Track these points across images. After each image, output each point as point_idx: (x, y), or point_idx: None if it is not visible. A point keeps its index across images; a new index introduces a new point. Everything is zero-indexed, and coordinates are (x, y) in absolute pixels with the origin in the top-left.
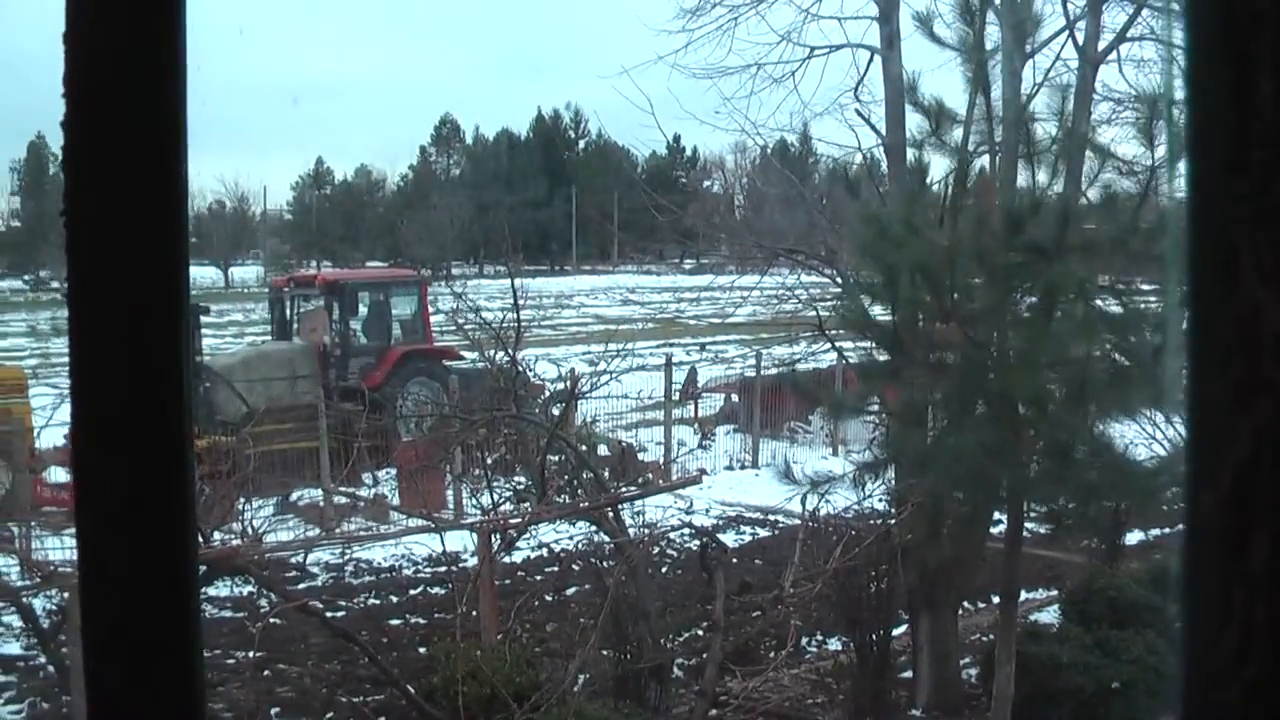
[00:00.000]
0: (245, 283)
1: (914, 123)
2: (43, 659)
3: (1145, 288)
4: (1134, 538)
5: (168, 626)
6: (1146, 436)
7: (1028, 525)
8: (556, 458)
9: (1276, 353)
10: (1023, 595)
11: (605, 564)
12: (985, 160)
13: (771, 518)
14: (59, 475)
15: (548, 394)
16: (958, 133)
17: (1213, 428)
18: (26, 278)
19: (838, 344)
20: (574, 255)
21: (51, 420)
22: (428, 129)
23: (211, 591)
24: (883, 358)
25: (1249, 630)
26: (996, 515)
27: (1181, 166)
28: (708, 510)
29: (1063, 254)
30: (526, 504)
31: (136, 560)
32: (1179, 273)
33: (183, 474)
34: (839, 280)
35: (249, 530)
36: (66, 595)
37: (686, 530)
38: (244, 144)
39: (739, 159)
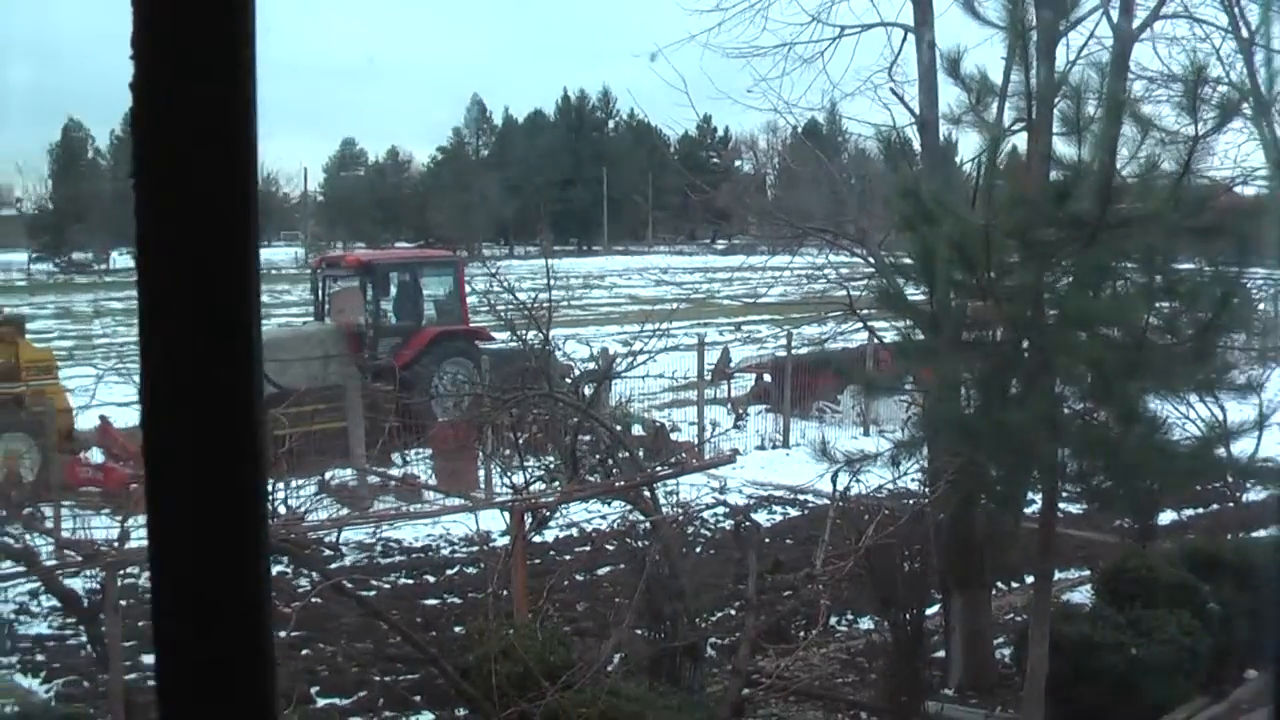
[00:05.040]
0: (274, 264)
1: (946, 102)
2: (78, 638)
3: (1182, 265)
4: (1166, 517)
5: (240, 595)
6: (1181, 416)
7: (1060, 505)
8: (588, 437)
9: None
10: (1055, 575)
11: (639, 543)
12: (1021, 137)
13: (802, 497)
14: (98, 456)
15: (578, 373)
16: (993, 109)
17: None
18: (58, 260)
19: (869, 323)
20: (605, 235)
21: (92, 402)
22: (458, 110)
23: None
24: (918, 336)
25: None
26: (1030, 495)
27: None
28: (740, 490)
29: (1103, 229)
30: (557, 483)
31: (208, 531)
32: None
33: (254, 445)
34: (869, 259)
35: (283, 510)
36: (104, 574)
37: (720, 509)
38: (274, 126)
39: (770, 139)
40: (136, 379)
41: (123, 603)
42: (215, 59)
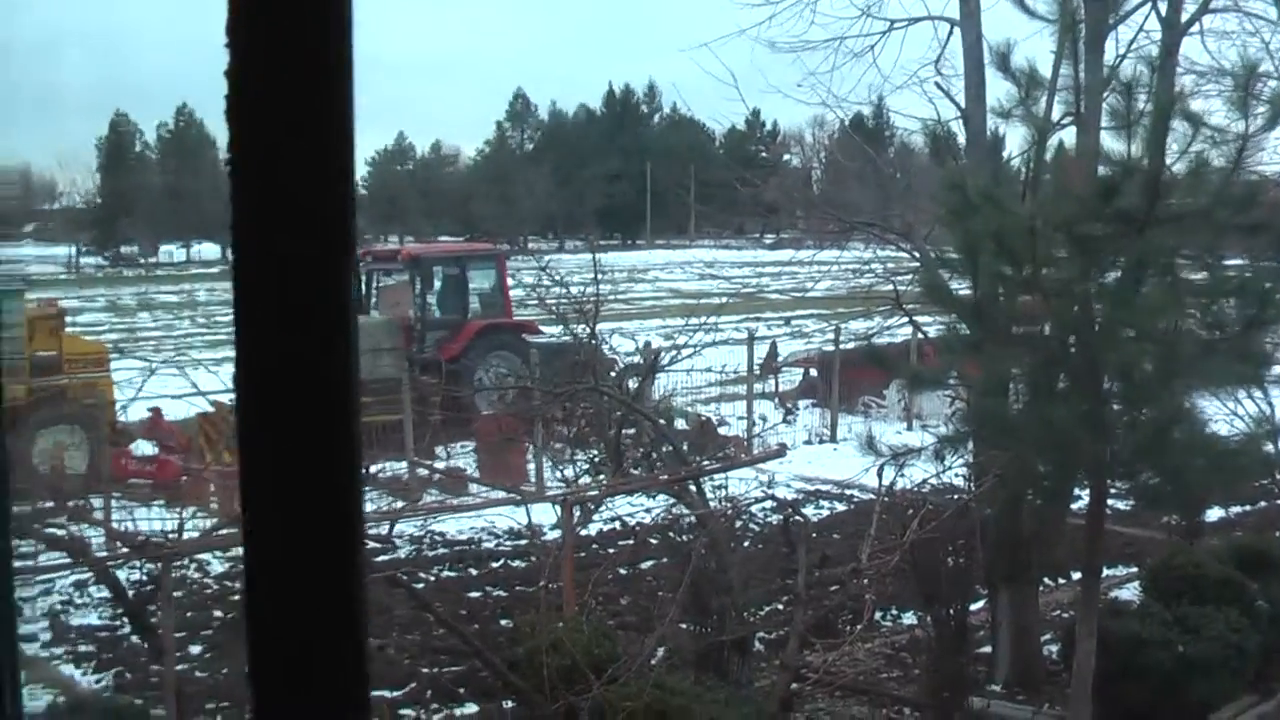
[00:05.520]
0: None
1: (995, 95)
2: (126, 629)
3: (1231, 261)
4: (1214, 514)
5: (337, 590)
6: (1229, 412)
7: (1107, 501)
8: (633, 431)
9: None
10: (1103, 572)
11: (684, 537)
12: (1068, 132)
13: (849, 492)
14: (145, 448)
15: (622, 367)
16: (1041, 103)
17: None
18: (106, 253)
19: (914, 317)
20: (648, 229)
21: (139, 394)
22: (503, 104)
23: None
24: (964, 331)
25: None
26: (1076, 490)
27: None
28: (787, 485)
29: (1151, 225)
30: (603, 476)
31: (305, 527)
32: None
33: (348, 435)
34: (915, 254)
35: None
36: (159, 566)
37: (768, 504)
38: None
39: (817, 133)
40: (188, 371)
41: (175, 594)
42: (313, 47)
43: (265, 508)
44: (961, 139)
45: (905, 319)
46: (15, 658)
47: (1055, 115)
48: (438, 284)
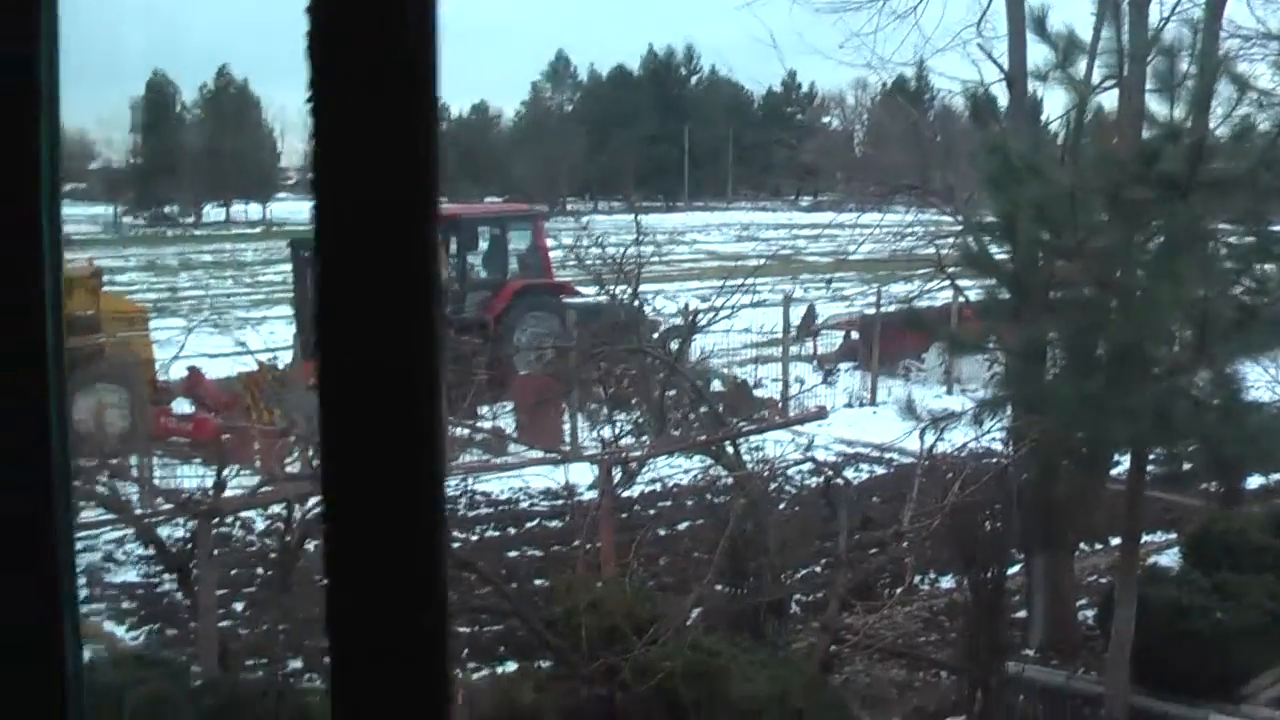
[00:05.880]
0: None
1: (1034, 59)
2: (166, 587)
3: (1275, 226)
4: (1254, 481)
5: (416, 570)
6: (1270, 379)
7: (1146, 467)
8: (673, 392)
9: None
10: (1141, 538)
11: (720, 499)
12: (1110, 95)
13: (888, 456)
14: (184, 406)
15: (663, 329)
16: (1082, 66)
17: None
18: (147, 214)
19: (956, 281)
20: (686, 191)
21: (180, 353)
22: (541, 66)
23: None
24: (1003, 296)
25: None
26: (1116, 456)
27: None
28: (826, 448)
29: (1194, 189)
30: (645, 437)
31: (384, 493)
32: None
33: (431, 401)
34: (958, 217)
35: None
36: (198, 523)
37: (806, 466)
38: None
39: (858, 95)
40: (233, 331)
41: (215, 552)
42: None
43: (347, 481)
44: (1003, 102)
45: (946, 283)
46: (77, 615)
47: (1096, 79)
48: (481, 244)
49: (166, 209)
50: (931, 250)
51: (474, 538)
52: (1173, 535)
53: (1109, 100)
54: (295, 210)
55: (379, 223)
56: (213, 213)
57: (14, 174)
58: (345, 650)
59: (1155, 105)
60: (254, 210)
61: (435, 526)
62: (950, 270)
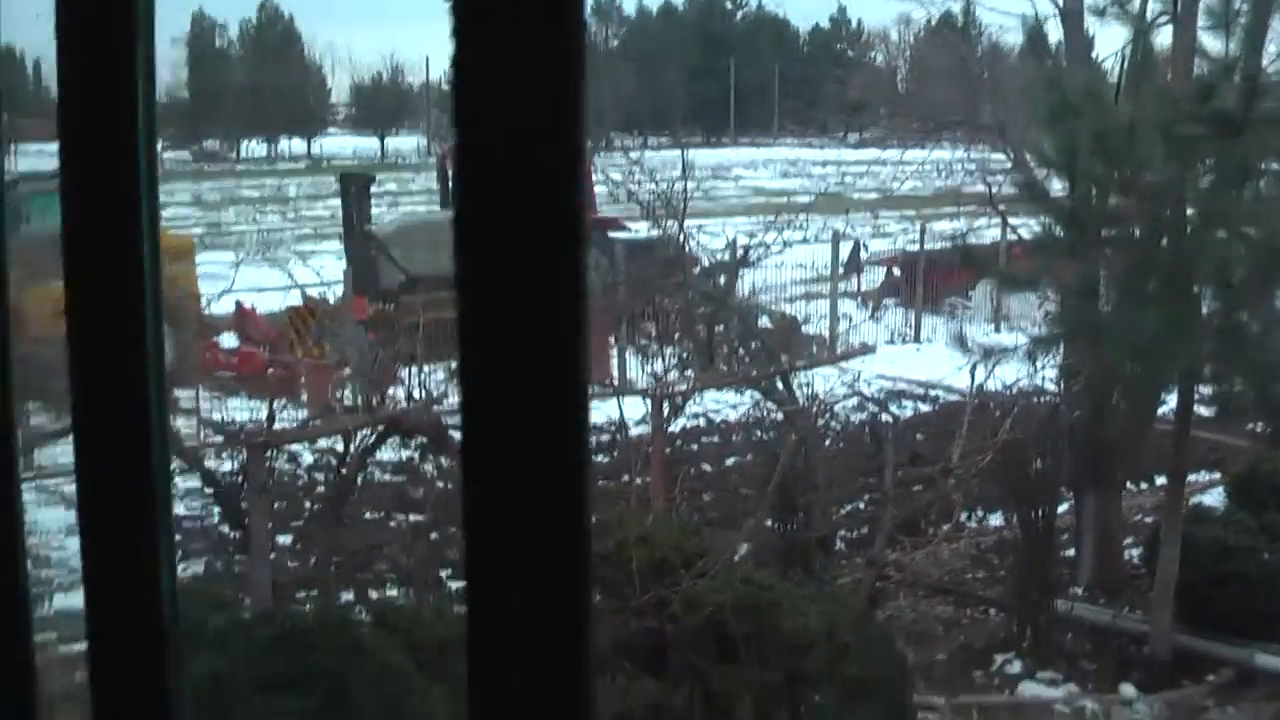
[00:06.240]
0: (400, 153)
1: None
2: (215, 520)
3: None
4: None
5: (562, 559)
6: None
7: (1193, 407)
8: (720, 328)
9: None
10: (1188, 478)
11: (769, 435)
12: (1163, 31)
13: (933, 393)
14: (231, 341)
15: (711, 264)
16: (1137, 1)
17: None
18: (190, 149)
19: (1007, 217)
20: (731, 127)
21: (231, 288)
22: (588, 1)
23: (378, 456)
24: (1057, 231)
25: None
26: (1163, 395)
27: None
28: (869, 384)
29: (1248, 127)
30: (690, 372)
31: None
32: None
33: (577, 432)
34: (1009, 153)
35: (418, 395)
36: (248, 456)
37: (852, 403)
38: (401, 14)
39: (903, 31)
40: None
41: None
42: None
43: (489, 451)
44: (1053, 37)
45: (993, 220)
46: (173, 546)
47: (1151, 14)
48: None
49: (208, 144)
50: (978, 188)
51: None
52: (1217, 475)
53: (1162, 37)
54: (343, 146)
55: (522, 151)
56: (255, 149)
57: (113, 119)
58: (482, 599)
59: (1209, 41)
60: (298, 146)
61: (580, 468)
62: (1001, 207)
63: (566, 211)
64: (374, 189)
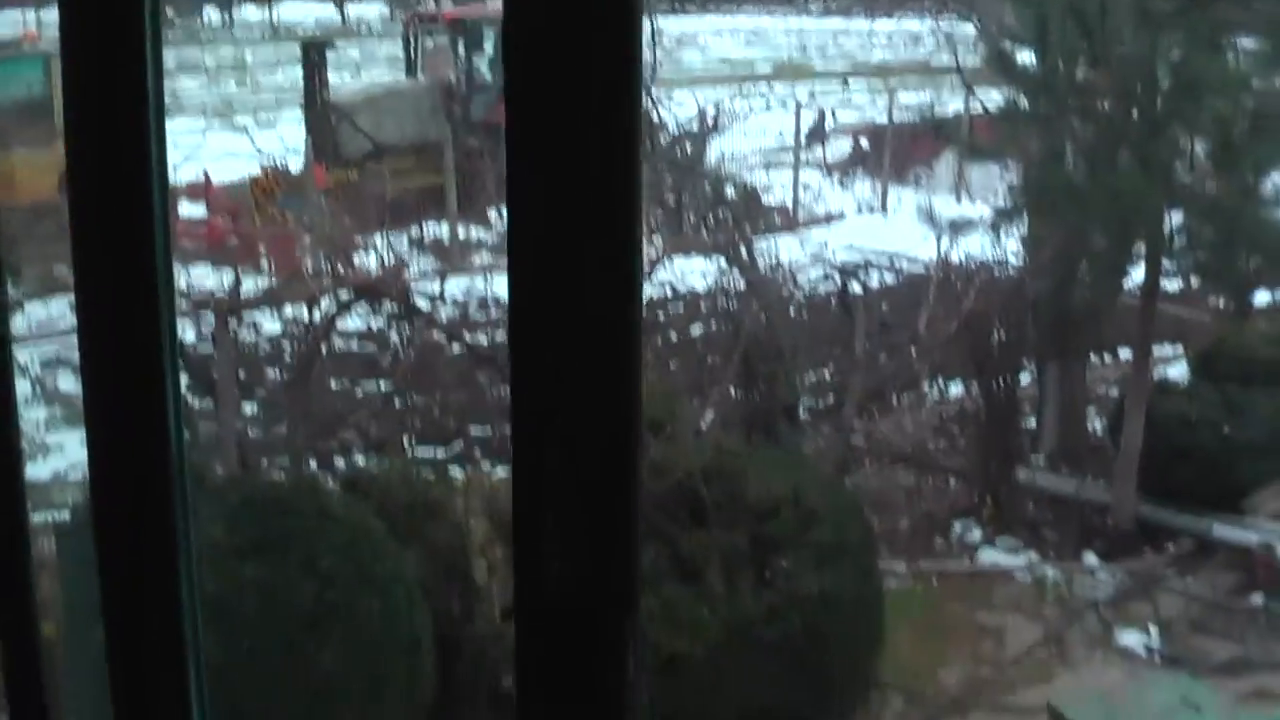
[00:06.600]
0: (364, 20)
1: None
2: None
3: None
4: (1262, 298)
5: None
6: None
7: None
8: (686, 196)
9: None
10: (1153, 351)
11: (734, 304)
12: None
13: (898, 264)
14: (194, 210)
15: (677, 132)
16: None
17: None
18: None
19: (973, 88)
20: None
21: (193, 156)
22: None
23: (343, 325)
24: (1023, 103)
25: None
26: (1129, 268)
27: None
28: (835, 254)
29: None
30: (658, 239)
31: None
32: None
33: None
34: (978, 24)
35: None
36: (215, 322)
37: (818, 272)
38: None
39: None
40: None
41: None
42: None
43: (545, 412)
44: None
45: (960, 91)
46: (180, 413)
47: None
48: (482, 47)
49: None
50: (945, 59)
51: (485, 339)
52: (1180, 349)
53: None
54: (305, 14)
55: (574, 28)
56: (211, 15)
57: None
58: (533, 550)
59: None
60: (252, 14)
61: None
62: (967, 78)
63: (619, 89)
64: (336, 56)
